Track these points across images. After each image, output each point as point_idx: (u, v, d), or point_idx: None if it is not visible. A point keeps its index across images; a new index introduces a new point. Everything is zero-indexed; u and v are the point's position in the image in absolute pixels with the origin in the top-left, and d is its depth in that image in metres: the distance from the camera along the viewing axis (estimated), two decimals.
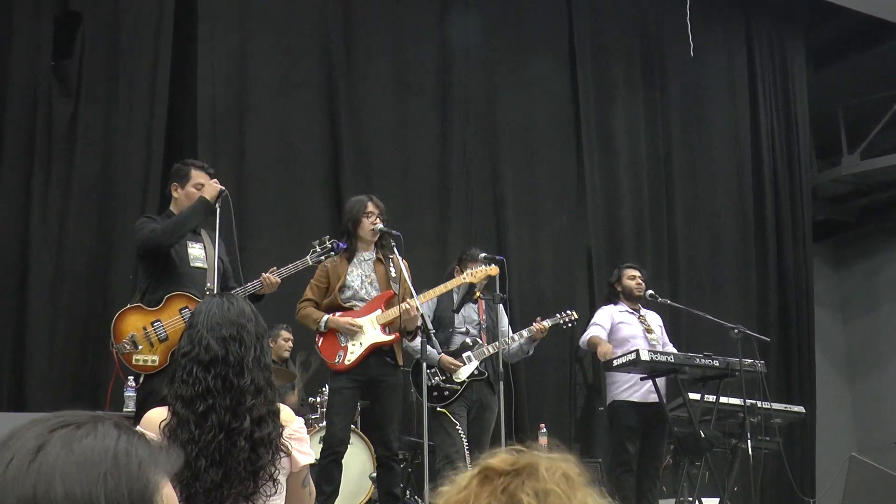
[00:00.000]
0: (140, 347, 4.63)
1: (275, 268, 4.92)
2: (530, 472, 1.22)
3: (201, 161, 5.26)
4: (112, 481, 0.96)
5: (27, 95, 6.77)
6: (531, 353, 6.30)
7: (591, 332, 6.67)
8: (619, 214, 9.11)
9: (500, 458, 1.25)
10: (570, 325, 6.34)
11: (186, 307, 4.64)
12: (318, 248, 5.05)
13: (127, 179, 6.94)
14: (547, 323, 6.19)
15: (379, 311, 5.32)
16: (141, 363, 4.64)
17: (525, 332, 6.03)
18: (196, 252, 4.83)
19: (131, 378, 5.36)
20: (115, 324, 4.71)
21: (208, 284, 4.74)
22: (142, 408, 4.49)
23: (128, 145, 7.00)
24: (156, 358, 4.62)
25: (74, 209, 6.75)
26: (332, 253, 5.08)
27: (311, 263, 5.07)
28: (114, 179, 6.94)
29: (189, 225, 4.75)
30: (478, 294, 6.03)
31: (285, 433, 2.68)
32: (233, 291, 4.55)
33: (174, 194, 4.93)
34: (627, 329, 6.69)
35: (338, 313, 5.35)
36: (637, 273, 6.87)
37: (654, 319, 6.90)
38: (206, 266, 4.82)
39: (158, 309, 4.68)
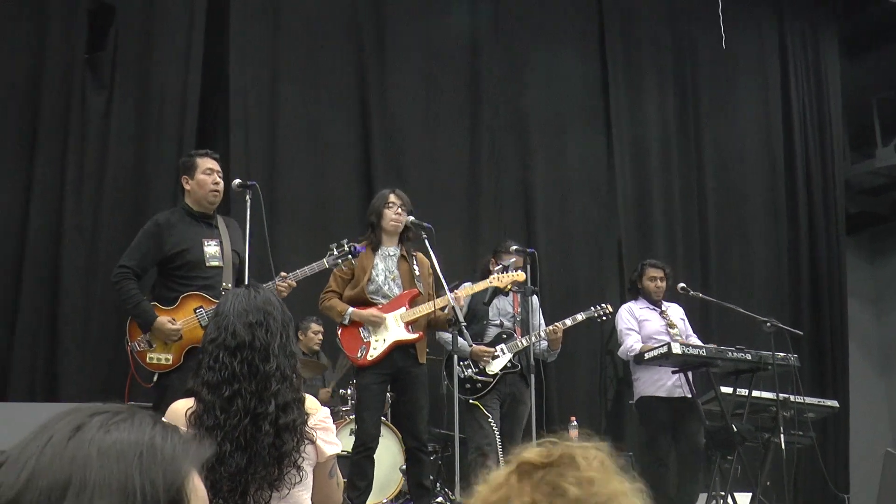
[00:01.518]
0: (154, 346, 4.68)
1: (283, 273, 4.90)
2: (568, 462, 1.22)
3: (208, 150, 5.26)
4: (147, 463, 0.98)
5: (61, 87, 6.81)
6: (551, 360, 6.28)
7: (630, 342, 6.62)
8: (649, 206, 9.05)
9: (534, 451, 1.25)
10: (604, 318, 6.32)
11: (201, 307, 4.69)
12: (335, 251, 5.06)
13: (160, 170, 6.97)
14: (581, 316, 6.19)
15: (403, 309, 5.31)
16: (155, 361, 4.68)
17: (543, 344, 6.00)
18: (212, 250, 4.82)
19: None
20: (129, 323, 4.75)
21: (224, 284, 4.75)
22: (160, 403, 4.52)
23: (161, 136, 7.03)
24: (170, 357, 4.67)
25: (108, 200, 6.79)
26: (350, 256, 5.08)
27: (327, 266, 5.06)
28: (147, 170, 6.98)
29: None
30: (509, 287, 6.02)
31: (311, 422, 2.69)
32: None
33: (186, 186, 4.95)
34: (650, 326, 6.67)
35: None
36: (659, 273, 6.79)
37: (675, 312, 6.84)
38: (221, 265, 4.81)
39: (173, 308, 4.71)
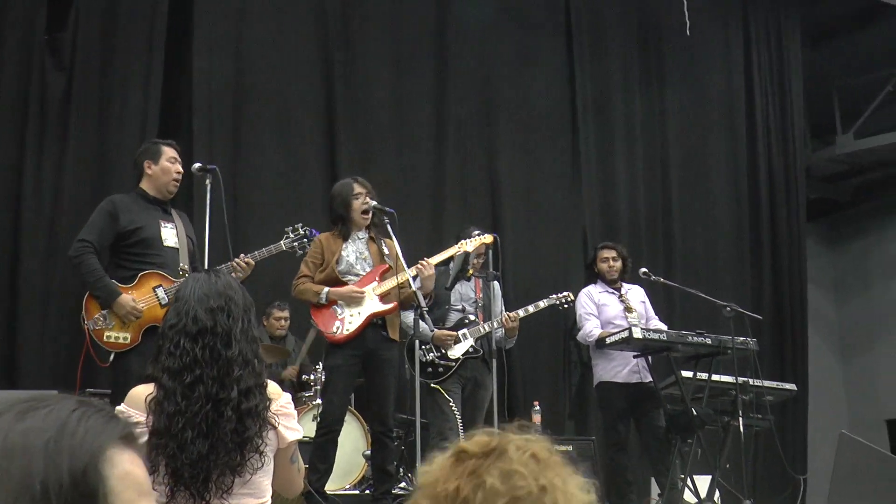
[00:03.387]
0: (112, 324, 4.62)
1: (242, 254, 4.91)
2: (499, 453, 1.24)
3: (171, 140, 5.25)
4: (53, 448, 0.95)
5: (20, 68, 6.72)
6: (508, 347, 6.31)
7: (589, 327, 6.64)
8: (614, 194, 9.10)
9: (474, 440, 1.28)
10: (566, 305, 6.38)
11: (160, 285, 4.66)
12: (291, 234, 5.11)
13: (121, 154, 6.89)
14: (543, 303, 6.23)
15: (375, 283, 5.35)
16: (112, 340, 4.63)
17: (500, 331, 5.99)
18: (168, 232, 4.83)
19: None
20: (86, 301, 4.69)
21: (181, 264, 4.75)
22: (116, 386, 4.50)
23: (122, 119, 6.96)
24: (127, 335, 4.62)
25: (68, 183, 6.71)
26: (305, 240, 5.13)
27: (284, 249, 5.10)
28: (108, 154, 6.90)
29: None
30: (471, 272, 6.03)
31: (272, 408, 2.68)
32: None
33: (147, 171, 4.91)
34: (609, 311, 6.69)
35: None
36: (612, 254, 6.80)
37: (636, 295, 6.86)
38: (178, 246, 4.82)
39: (132, 286, 4.67)
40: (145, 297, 4.65)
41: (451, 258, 5.78)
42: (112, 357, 4.73)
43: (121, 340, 4.63)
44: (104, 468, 0.97)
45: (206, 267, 4.74)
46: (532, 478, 1.21)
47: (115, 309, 4.60)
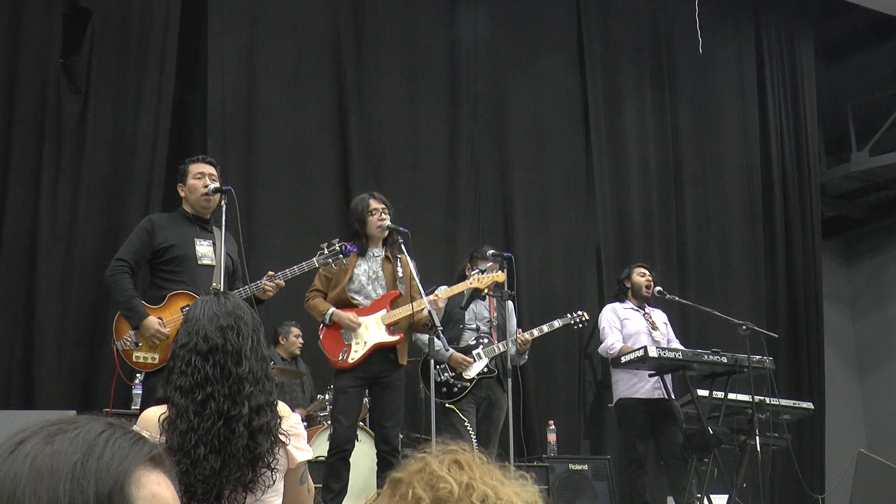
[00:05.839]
0: (140, 345, 4.65)
1: (271, 272, 4.89)
2: (423, 468, 1.31)
3: (203, 155, 5.29)
4: (80, 472, 0.95)
5: (36, 91, 6.77)
6: (522, 363, 6.30)
7: (611, 340, 6.66)
8: (628, 211, 9.09)
9: (405, 467, 1.35)
10: (580, 325, 6.37)
11: (188, 305, 4.64)
12: (325, 251, 5.01)
13: (135, 175, 6.94)
14: (557, 323, 6.22)
15: (384, 311, 5.32)
16: (141, 361, 4.66)
17: (512, 349, 5.97)
18: (204, 249, 4.83)
19: (139, 375, 5.36)
20: (116, 321, 4.73)
21: (214, 283, 4.73)
22: (145, 405, 4.51)
23: (136, 141, 6.99)
24: (156, 356, 4.63)
25: (83, 204, 6.75)
26: (341, 255, 5.03)
27: (317, 266, 5.04)
28: (122, 175, 6.94)
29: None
30: (486, 291, 6.03)
31: (283, 426, 2.69)
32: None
33: (181, 193, 5.01)
34: (632, 325, 6.72)
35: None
36: (647, 272, 6.90)
37: (659, 317, 6.92)
38: (214, 264, 4.81)
39: (160, 307, 4.69)
40: (173, 317, 4.65)
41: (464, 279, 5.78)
42: (142, 377, 4.76)
43: (149, 361, 4.65)
44: (130, 490, 0.97)
45: (221, 289, 4.73)
46: (453, 479, 1.28)
47: (141, 331, 4.63)
